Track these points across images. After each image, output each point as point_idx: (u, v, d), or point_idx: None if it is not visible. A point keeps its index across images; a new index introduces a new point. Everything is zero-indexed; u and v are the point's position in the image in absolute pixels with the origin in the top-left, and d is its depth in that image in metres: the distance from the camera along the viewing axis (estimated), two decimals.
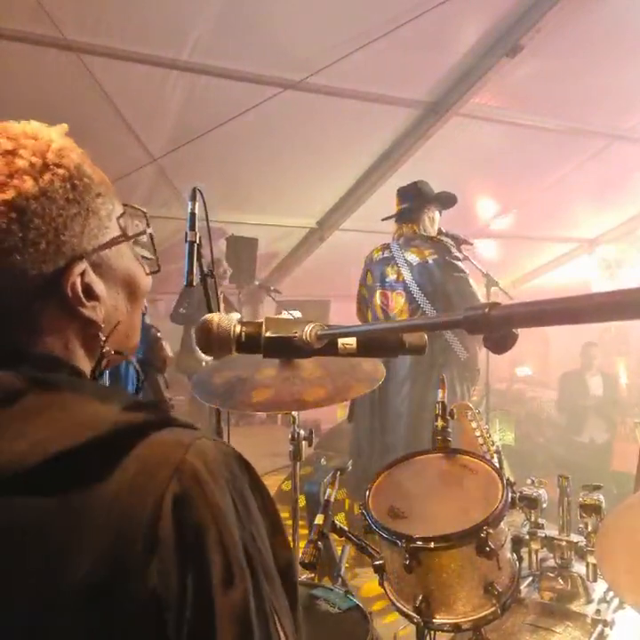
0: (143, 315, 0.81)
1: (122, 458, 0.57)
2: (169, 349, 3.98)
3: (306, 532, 1.69)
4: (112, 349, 0.71)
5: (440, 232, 3.35)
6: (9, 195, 0.61)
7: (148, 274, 0.77)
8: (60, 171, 0.65)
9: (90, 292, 0.67)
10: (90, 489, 0.55)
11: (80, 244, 0.66)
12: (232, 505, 0.58)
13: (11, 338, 0.64)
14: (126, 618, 0.53)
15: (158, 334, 3.71)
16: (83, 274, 0.66)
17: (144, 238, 0.78)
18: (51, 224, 0.64)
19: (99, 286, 0.68)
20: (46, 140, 0.66)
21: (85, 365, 0.70)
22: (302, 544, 1.58)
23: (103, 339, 0.69)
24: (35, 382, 0.60)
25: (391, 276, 3.30)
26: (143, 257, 0.78)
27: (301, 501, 2.40)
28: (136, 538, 0.54)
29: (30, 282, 0.63)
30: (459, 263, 3.18)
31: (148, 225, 0.78)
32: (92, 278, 0.67)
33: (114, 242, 0.70)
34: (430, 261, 3.19)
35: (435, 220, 3.36)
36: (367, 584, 2.75)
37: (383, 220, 3.46)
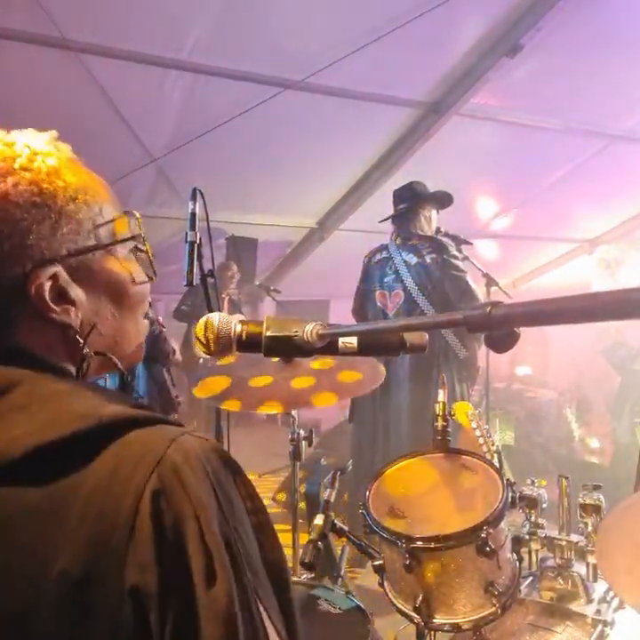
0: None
1: (104, 452, 0.57)
2: (174, 342, 3.96)
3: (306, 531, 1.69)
4: (92, 351, 0.70)
5: (438, 231, 3.34)
6: None
7: (135, 283, 0.74)
8: (27, 174, 0.65)
9: (63, 296, 0.66)
10: (71, 481, 0.56)
11: (50, 247, 0.65)
12: (214, 499, 0.57)
13: None
14: (106, 609, 0.53)
15: (163, 329, 3.71)
16: (54, 277, 0.65)
17: (128, 243, 0.74)
18: (15, 227, 0.63)
19: (74, 290, 0.67)
20: (21, 145, 0.66)
21: (70, 366, 0.69)
22: (302, 544, 1.58)
23: (81, 341, 0.68)
24: (20, 379, 0.61)
25: (389, 277, 3.30)
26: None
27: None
28: (114, 531, 0.54)
29: (1, 284, 0.63)
30: (457, 262, 3.18)
31: (140, 229, 0.76)
32: (66, 282, 0.67)
33: (92, 248, 0.69)
34: (428, 260, 3.19)
35: (431, 220, 3.35)
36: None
37: (380, 222, 3.47)
